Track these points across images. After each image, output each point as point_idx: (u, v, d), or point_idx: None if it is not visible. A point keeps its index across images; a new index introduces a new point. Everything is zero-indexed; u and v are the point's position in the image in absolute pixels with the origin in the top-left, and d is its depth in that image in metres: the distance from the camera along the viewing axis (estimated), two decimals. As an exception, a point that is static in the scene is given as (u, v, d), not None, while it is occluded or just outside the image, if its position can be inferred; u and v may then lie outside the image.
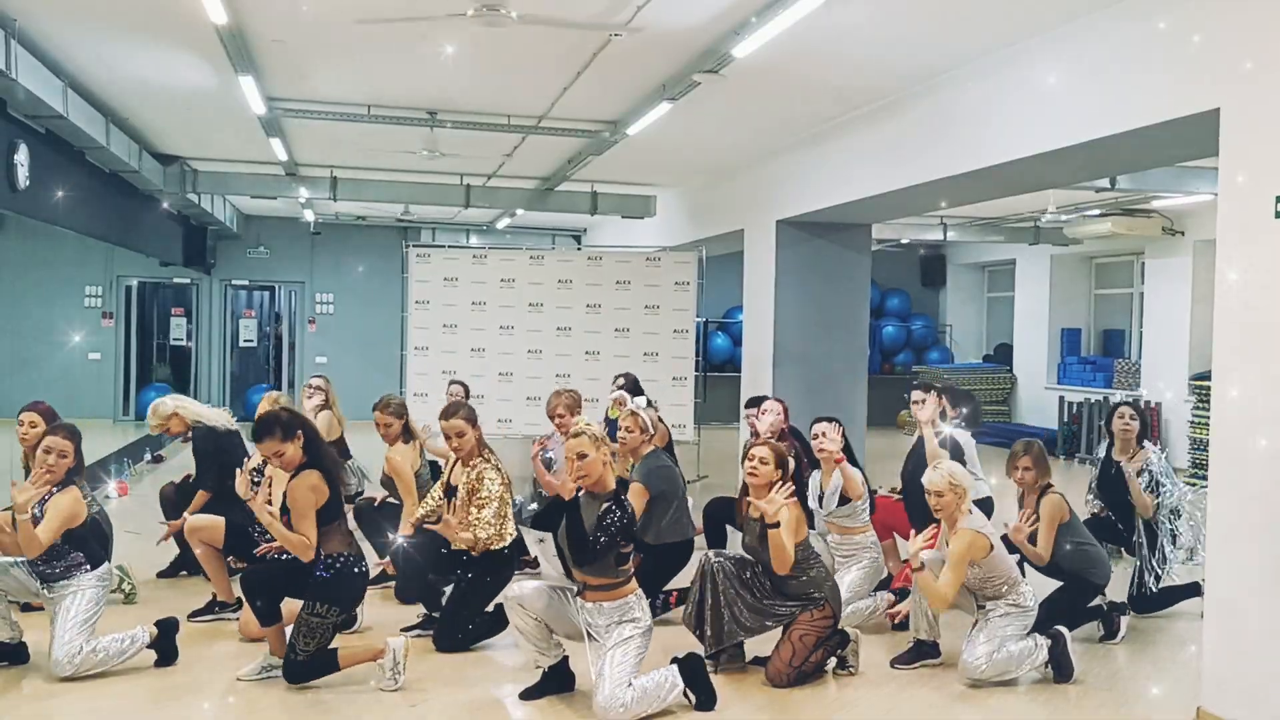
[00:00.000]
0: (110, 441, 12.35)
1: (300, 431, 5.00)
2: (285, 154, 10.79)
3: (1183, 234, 13.62)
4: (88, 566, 5.25)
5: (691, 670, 5.01)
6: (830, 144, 8.99)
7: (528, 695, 5.09)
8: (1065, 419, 15.11)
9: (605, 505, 4.91)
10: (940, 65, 7.06)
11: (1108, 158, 6.57)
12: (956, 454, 6.29)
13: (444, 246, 13.44)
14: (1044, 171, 7.10)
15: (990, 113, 6.79)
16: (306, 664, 5.04)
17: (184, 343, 18.41)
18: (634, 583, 5.00)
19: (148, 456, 12.43)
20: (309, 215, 16.58)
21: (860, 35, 6.48)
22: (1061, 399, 15.38)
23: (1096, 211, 13.21)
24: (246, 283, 18.48)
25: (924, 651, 5.61)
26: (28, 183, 7.93)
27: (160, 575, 7.16)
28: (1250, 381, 4.67)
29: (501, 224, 17.40)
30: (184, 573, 7.18)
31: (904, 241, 16.35)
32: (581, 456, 4.90)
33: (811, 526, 5.89)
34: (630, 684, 4.80)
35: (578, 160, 10.76)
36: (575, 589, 5.02)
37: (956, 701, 5.19)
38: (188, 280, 17.70)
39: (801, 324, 10.04)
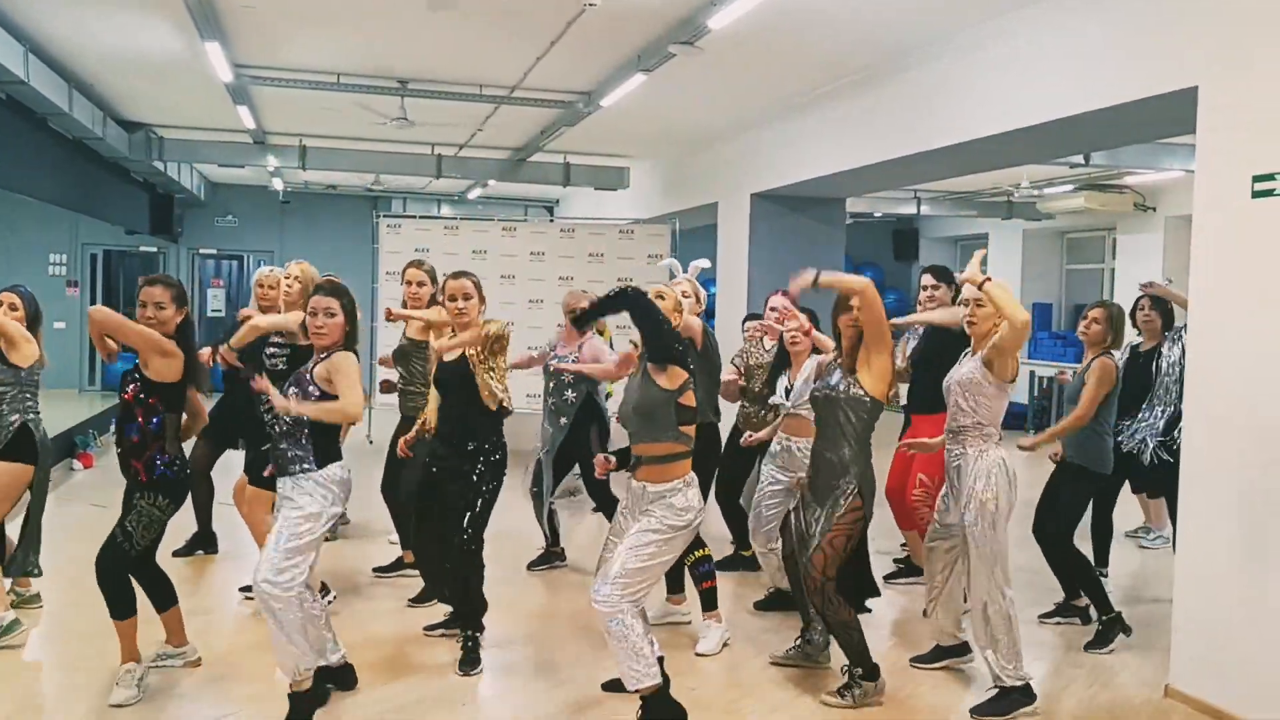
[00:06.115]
0: (75, 412, 12.15)
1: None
2: (253, 122, 10.62)
3: (1154, 210, 13.66)
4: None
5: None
6: (806, 118, 8.92)
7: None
8: (1036, 394, 15.18)
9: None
10: (917, 40, 7.01)
11: (1084, 134, 6.55)
12: None
13: (415, 217, 13.25)
14: (1021, 147, 7.08)
15: (968, 88, 6.74)
16: (128, 559, 4.47)
17: (150, 312, 18.17)
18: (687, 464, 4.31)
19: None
20: (278, 184, 16.38)
21: (838, 7, 6.41)
22: (1032, 374, 15.43)
23: (1069, 186, 13.25)
24: (215, 251, 18.24)
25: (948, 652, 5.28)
26: (-12, 149, 7.76)
27: (176, 554, 6.60)
28: (1222, 360, 4.69)
29: (473, 194, 17.26)
30: (200, 552, 6.83)
31: (877, 215, 16.33)
32: (660, 296, 5.09)
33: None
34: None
35: (551, 131, 10.64)
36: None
37: (923, 679, 5.21)
38: (154, 249, 17.44)
39: (775, 297, 9.99)
